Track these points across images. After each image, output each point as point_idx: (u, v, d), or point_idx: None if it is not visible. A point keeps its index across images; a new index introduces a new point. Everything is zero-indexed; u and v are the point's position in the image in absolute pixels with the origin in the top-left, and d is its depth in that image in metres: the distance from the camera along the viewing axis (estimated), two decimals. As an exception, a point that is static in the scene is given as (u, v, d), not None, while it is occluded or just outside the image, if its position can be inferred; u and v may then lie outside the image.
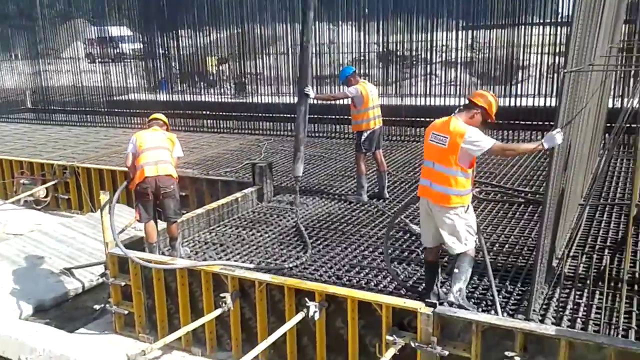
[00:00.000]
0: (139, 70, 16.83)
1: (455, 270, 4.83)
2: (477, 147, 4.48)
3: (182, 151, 6.75)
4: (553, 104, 10.89)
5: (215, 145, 12.60)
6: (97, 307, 6.55)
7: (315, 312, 4.92)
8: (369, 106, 7.73)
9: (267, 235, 6.96)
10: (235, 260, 6.22)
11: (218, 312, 5.35)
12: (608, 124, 9.48)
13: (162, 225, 6.53)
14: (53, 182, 11.16)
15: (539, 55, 11.77)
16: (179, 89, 15.83)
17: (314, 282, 5.20)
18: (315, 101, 8.56)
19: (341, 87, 8.30)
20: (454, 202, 4.57)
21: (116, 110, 16.56)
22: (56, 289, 7.46)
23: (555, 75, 11.32)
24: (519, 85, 12.33)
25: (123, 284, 6.21)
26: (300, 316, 4.93)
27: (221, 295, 5.37)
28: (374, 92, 7.88)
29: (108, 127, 16.07)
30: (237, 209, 7.83)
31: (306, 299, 4.97)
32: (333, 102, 10.80)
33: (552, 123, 11.01)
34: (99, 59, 18.27)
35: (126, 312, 6.26)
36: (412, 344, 4.56)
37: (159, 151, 6.34)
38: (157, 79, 16.52)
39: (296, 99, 8.14)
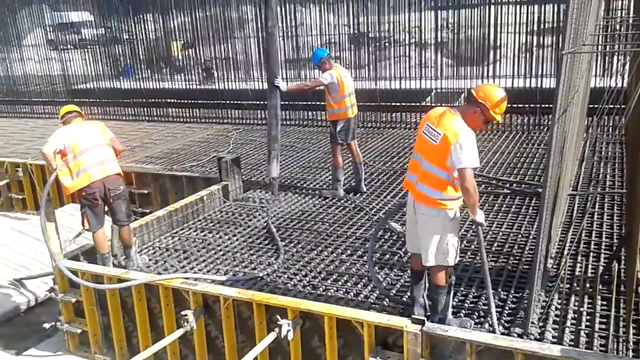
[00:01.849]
0: (102, 57, 15.91)
1: (429, 302, 4.35)
2: (457, 161, 3.81)
3: (111, 132, 5.89)
4: (527, 84, 10.50)
5: (180, 137, 11.88)
6: (47, 325, 5.89)
7: (288, 331, 4.36)
8: (345, 94, 7.12)
9: (235, 238, 6.36)
10: (199, 269, 5.63)
11: (180, 332, 4.76)
12: (590, 105, 9.07)
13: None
14: (5, 181, 10.36)
15: (512, 35, 11.32)
16: (144, 75, 14.97)
17: (286, 298, 4.63)
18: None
19: (315, 71, 7.67)
20: (438, 206, 4.00)
21: (76, 99, 15.62)
22: (5, 303, 6.78)
23: (528, 54, 10.92)
24: (493, 65, 11.91)
25: (74, 300, 5.58)
26: (271, 337, 4.37)
27: (182, 313, 4.77)
28: (348, 77, 7.26)
29: (67, 119, 15.17)
30: (202, 208, 7.20)
31: (278, 316, 4.41)
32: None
33: (530, 105, 10.64)
34: (61, 46, 17.28)
35: (79, 330, 5.65)
36: (399, 367, 4.05)
37: (99, 149, 5.60)
38: (121, 66, 15.67)
39: (265, 85, 7.52)
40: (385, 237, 6.06)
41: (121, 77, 15.52)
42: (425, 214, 4.06)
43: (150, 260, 5.96)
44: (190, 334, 4.90)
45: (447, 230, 4.04)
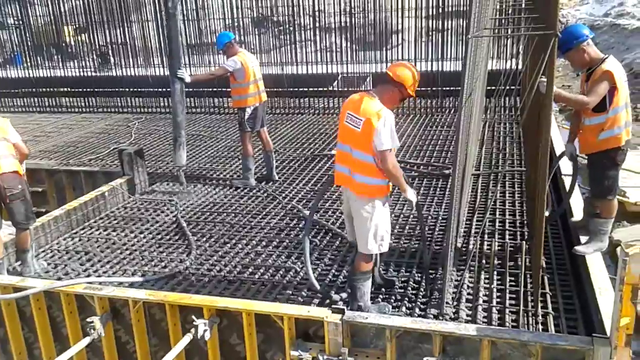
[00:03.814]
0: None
1: (348, 290, 4.39)
2: (379, 143, 3.84)
3: (17, 134, 5.43)
4: (429, 68, 10.77)
5: (76, 128, 11.15)
6: None
7: (205, 330, 4.18)
8: (251, 80, 6.93)
9: (142, 236, 6.03)
10: (104, 271, 5.28)
11: (86, 340, 4.43)
12: (488, 87, 9.47)
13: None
14: None
15: (413, 19, 11.58)
16: (33, 63, 13.87)
17: (200, 296, 4.44)
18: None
19: (220, 55, 7.37)
20: (375, 194, 4.00)
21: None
22: None
23: (429, 38, 11.22)
24: (394, 50, 12.16)
25: (-37, 313, 5.05)
26: (187, 338, 4.16)
27: (88, 320, 4.45)
28: (254, 63, 7.08)
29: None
30: (104, 205, 6.76)
31: (193, 316, 4.21)
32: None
33: (432, 88, 10.90)
34: None
35: (-29, 346, 5.13)
36: (320, 358, 3.99)
37: None
38: (8, 53, 14.45)
39: (167, 71, 7.15)
40: (301, 226, 5.99)
41: (8, 66, 14.34)
42: (360, 206, 4.04)
43: (49, 264, 5.51)
44: (98, 341, 4.58)
45: (381, 217, 4.06)
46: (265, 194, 6.99)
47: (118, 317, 4.60)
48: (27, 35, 13.86)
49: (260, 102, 7.11)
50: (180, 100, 6.88)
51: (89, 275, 5.17)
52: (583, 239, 4.74)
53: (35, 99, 13.34)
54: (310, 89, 11.70)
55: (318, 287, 4.55)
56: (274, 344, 4.26)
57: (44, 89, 13.30)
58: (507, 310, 4.21)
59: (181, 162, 7.03)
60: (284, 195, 6.92)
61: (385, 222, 4.12)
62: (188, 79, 6.81)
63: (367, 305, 4.25)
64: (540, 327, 4.01)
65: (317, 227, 5.91)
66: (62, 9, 13.30)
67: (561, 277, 4.64)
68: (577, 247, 4.58)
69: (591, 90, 4.27)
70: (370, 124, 3.83)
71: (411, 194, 4.10)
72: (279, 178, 7.50)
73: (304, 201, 6.65)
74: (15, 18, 13.99)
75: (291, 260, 5.26)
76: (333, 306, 4.05)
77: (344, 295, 4.54)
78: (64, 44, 14.75)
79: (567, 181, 6.05)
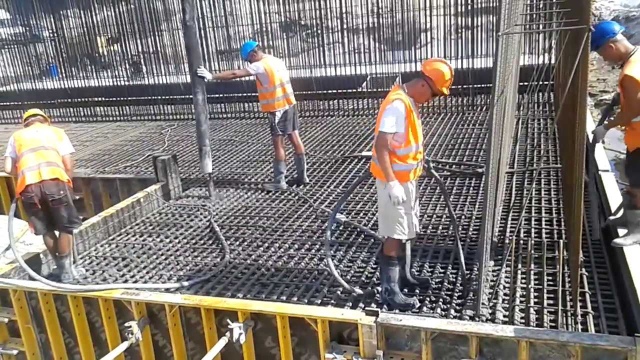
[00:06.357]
0: (22, 56, 14.95)
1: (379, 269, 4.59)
2: (380, 124, 3.99)
3: (72, 146, 5.74)
4: (459, 65, 10.63)
5: (111, 137, 11.38)
6: (-22, 349, 5.48)
7: (240, 334, 4.21)
8: (276, 84, 6.96)
9: (177, 241, 6.11)
10: (141, 277, 5.36)
11: (125, 345, 4.52)
12: (520, 83, 9.30)
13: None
14: None
15: (442, 17, 11.44)
16: (68, 74, 14.22)
17: (235, 300, 4.47)
18: (214, 82, 7.79)
19: (246, 63, 7.46)
20: (383, 177, 4.08)
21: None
22: None
23: (458, 35, 11.10)
24: (423, 49, 12.05)
25: (7, 320, 5.20)
26: (223, 342, 4.21)
27: (126, 324, 4.53)
28: (280, 67, 7.10)
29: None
30: (140, 211, 6.88)
31: (228, 320, 4.25)
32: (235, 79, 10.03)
33: (463, 86, 10.77)
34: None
35: (16, 351, 5.28)
36: (355, 360, 3.98)
37: (41, 152, 5.35)
38: (44, 65, 14.84)
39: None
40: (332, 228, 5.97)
41: (44, 77, 14.73)
42: (378, 189, 4.25)
43: (87, 270, 5.63)
44: (136, 346, 4.68)
45: (393, 204, 4.08)
46: (297, 197, 7.01)
47: (155, 322, 4.68)
48: (62, 47, 14.22)
49: (289, 105, 7.14)
50: (203, 110, 6.97)
51: (126, 281, 5.26)
52: (622, 232, 4.62)
53: (71, 109, 13.65)
54: (340, 91, 11.69)
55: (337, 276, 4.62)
56: (308, 347, 4.27)
57: (79, 99, 13.60)
58: (545, 310, 4.12)
59: (207, 169, 7.11)
60: (314, 198, 6.92)
61: (398, 210, 4.09)
62: (209, 77, 6.89)
63: (394, 291, 4.32)
64: (580, 327, 3.91)
65: (350, 228, 5.90)
66: (95, 20, 13.60)
67: (600, 275, 4.52)
68: (616, 240, 4.47)
69: (632, 99, 4.20)
70: (382, 109, 4.02)
71: (395, 188, 3.98)
72: (310, 181, 7.51)
73: (335, 204, 6.64)
74: (50, 31, 14.37)
75: (324, 262, 5.26)
76: (367, 308, 4.03)
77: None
78: (97, 55, 15.09)
79: (605, 176, 5.91)
